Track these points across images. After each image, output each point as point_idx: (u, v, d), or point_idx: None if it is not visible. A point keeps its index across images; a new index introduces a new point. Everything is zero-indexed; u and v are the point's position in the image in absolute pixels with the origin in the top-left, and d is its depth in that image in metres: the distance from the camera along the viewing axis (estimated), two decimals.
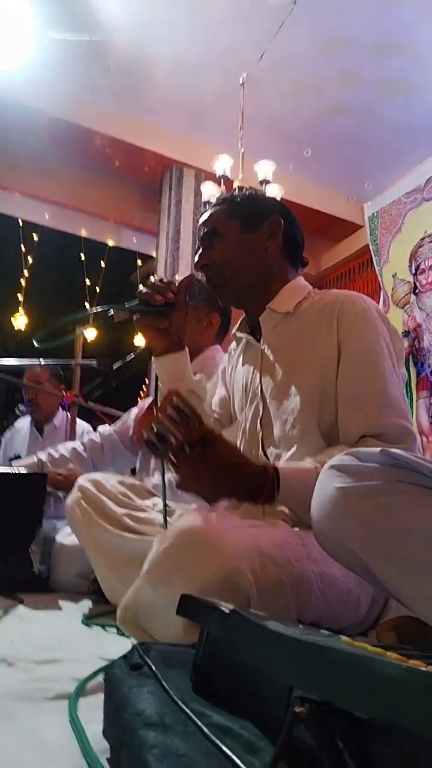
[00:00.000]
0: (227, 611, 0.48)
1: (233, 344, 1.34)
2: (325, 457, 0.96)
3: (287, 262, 1.26)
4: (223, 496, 0.96)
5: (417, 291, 4.07)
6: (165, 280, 1.17)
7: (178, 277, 4.32)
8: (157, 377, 1.19)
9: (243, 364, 1.26)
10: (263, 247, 1.23)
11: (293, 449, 1.06)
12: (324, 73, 3.31)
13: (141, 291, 1.13)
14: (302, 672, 0.37)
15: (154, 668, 0.52)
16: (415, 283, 4.07)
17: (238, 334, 1.29)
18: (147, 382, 5.05)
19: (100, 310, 1.09)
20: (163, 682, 0.50)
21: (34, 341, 1.08)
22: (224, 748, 0.39)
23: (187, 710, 0.44)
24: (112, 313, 1.07)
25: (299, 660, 0.37)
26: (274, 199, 1.39)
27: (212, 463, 0.89)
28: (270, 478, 0.93)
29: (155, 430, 0.86)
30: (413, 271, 4.06)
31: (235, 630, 0.46)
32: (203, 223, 1.28)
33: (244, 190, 1.30)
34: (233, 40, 3.20)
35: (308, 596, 0.87)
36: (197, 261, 1.24)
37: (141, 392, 5.25)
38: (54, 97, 3.55)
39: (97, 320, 1.02)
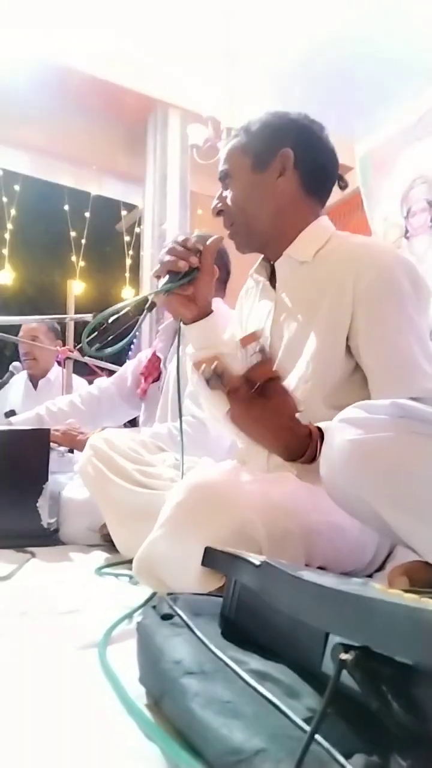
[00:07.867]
0: (258, 563, 0.49)
1: (250, 282, 1.29)
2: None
3: (309, 198, 1.16)
4: (264, 442, 0.92)
5: (408, 235, 4.00)
6: (181, 239, 1.11)
7: (167, 227, 4.21)
8: (179, 336, 1.18)
9: (260, 300, 1.23)
10: (273, 188, 1.15)
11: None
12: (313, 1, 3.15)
13: (162, 260, 1.08)
14: (342, 620, 0.38)
15: (185, 618, 0.54)
16: (406, 227, 3.99)
17: (255, 276, 1.25)
18: (138, 335, 5.01)
19: (137, 299, 1.11)
20: (196, 631, 0.51)
21: (84, 348, 1.08)
22: (267, 693, 0.41)
23: (224, 658, 0.46)
24: (151, 299, 1.06)
25: (339, 609, 0.38)
26: (292, 120, 1.18)
27: (266, 410, 0.86)
28: (314, 442, 0.89)
29: (216, 367, 0.85)
30: (404, 215, 3.98)
31: (268, 581, 0.47)
32: (222, 160, 1.20)
33: (262, 114, 1.18)
34: None
35: (316, 544, 0.89)
36: (213, 206, 1.19)
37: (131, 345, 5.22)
38: (29, 34, 3.37)
39: (136, 308, 1.08)
